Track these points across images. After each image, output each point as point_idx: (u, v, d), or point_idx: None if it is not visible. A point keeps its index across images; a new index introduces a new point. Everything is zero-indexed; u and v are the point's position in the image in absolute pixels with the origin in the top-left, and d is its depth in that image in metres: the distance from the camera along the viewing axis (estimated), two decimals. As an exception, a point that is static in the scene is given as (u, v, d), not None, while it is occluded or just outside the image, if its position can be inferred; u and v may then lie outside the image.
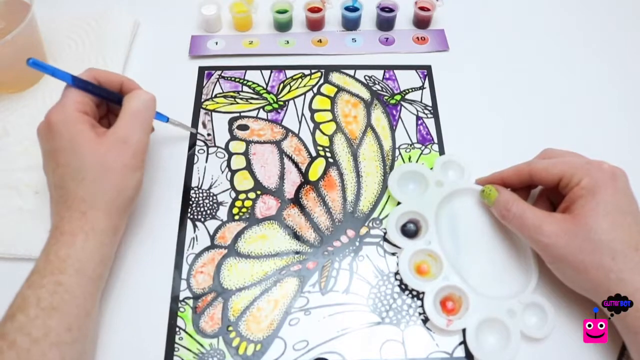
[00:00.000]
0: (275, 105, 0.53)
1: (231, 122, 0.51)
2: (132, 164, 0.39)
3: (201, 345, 0.40)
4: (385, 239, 0.44)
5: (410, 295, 0.42)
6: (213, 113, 0.52)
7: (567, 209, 0.38)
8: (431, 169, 0.47)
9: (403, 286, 0.42)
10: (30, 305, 0.34)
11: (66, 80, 0.40)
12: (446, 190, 0.45)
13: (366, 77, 0.55)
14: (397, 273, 0.43)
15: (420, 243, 0.42)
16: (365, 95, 0.54)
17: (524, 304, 0.40)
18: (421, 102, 0.53)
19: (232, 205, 0.46)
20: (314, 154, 0.49)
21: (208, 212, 0.46)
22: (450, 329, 0.39)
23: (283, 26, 0.58)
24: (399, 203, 0.45)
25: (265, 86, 0.54)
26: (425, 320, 0.41)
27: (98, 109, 0.42)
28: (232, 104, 0.53)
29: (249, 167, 0.48)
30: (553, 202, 0.43)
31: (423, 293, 0.41)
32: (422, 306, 0.41)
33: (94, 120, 0.41)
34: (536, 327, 0.39)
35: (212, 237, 0.45)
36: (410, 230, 0.44)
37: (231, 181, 0.48)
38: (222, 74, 0.55)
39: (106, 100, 0.43)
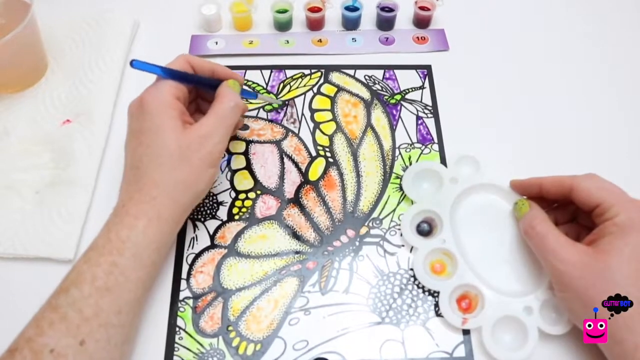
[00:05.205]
0: (276, 105, 0.52)
1: (231, 122, 0.51)
2: (209, 160, 0.40)
3: (201, 345, 0.40)
4: (385, 239, 0.44)
5: (410, 295, 0.42)
6: (213, 113, 0.52)
7: (593, 242, 0.37)
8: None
9: (403, 286, 0.42)
10: (84, 281, 0.34)
11: (162, 74, 0.41)
12: (461, 187, 0.45)
13: (366, 77, 0.55)
14: (411, 269, 0.43)
15: (435, 242, 0.42)
16: (365, 95, 0.54)
17: (541, 300, 0.39)
18: (421, 101, 0.53)
19: (232, 205, 0.46)
20: (314, 153, 0.49)
21: (208, 211, 0.46)
22: (466, 327, 0.39)
23: (283, 26, 0.58)
24: (411, 202, 0.45)
25: (265, 86, 0.54)
26: (425, 321, 0.41)
27: (189, 94, 0.43)
28: (232, 103, 0.53)
29: (249, 167, 0.48)
30: (577, 220, 0.41)
31: (438, 292, 0.41)
32: (436, 304, 0.41)
33: (185, 105, 0.42)
34: (555, 322, 0.38)
35: (212, 237, 0.45)
36: (424, 230, 0.44)
37: (231, 181, 0.48)
38: (222, 74, 0.55)
39: (200, 86, 0.44)
